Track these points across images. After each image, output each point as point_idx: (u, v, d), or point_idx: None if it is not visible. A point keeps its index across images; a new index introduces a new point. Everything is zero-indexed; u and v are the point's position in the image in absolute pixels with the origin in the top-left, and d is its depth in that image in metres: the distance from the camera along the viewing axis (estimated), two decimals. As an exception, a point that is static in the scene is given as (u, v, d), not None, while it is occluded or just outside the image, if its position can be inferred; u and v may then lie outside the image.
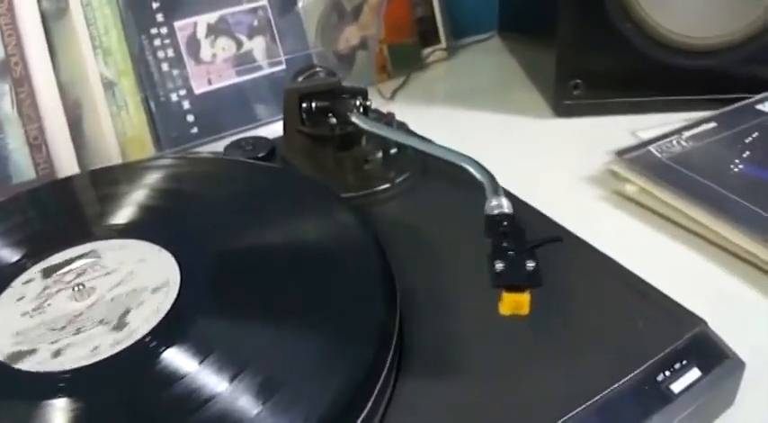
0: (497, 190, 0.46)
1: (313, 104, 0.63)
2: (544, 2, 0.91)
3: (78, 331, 0.43)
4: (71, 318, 0.44)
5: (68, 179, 0.69)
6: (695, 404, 0.40)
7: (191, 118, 0.89)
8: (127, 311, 0.44)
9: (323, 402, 0.36)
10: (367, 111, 0.62)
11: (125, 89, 0.87)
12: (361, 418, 0.37)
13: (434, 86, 1.03)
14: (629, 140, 0.76)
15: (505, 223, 0.42)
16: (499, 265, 0.39)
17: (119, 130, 0.87)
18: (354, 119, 0.59)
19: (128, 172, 0.62)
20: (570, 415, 0.38)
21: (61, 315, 0.44)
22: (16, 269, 0.49)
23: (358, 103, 0.62)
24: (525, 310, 0.38)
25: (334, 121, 0.61)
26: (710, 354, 0.42)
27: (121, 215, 0.54)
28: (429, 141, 0.55)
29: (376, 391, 0.38)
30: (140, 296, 0.45)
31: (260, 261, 0.48)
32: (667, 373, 0.41)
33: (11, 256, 0.51)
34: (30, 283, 0.48)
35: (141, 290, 0.45)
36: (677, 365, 0.41)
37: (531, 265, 0.39)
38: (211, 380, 0.38)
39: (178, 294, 0.45)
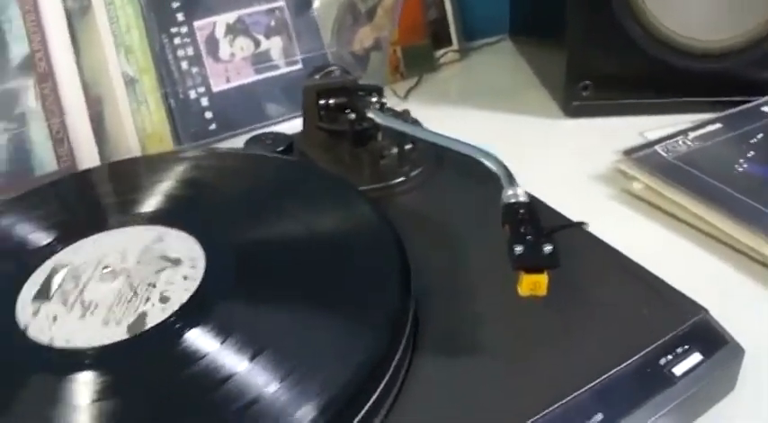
0: (513, 180, 0.48)
1: (330, 101, 0.65)
2: (554, 6, 0.92)
3: (102, 310, 0.45)
4: (97, 298, 0.46)
5: (99, 168, 0.72)
6: (696, 387, 0.42)
7: (209, 115, 0.91)
8: (150, 295, 0.46)
9: (338, 382, 0.38)
10: (383, 108, 0.64)
11: (146, 86, 0.89)
12: (374, 397, 0.38)
13: (447, 87, 1.05)
14: (637, 140, 0.78)
15: (522, 211, 0.44)
16: (518, 249, 0.41)
17: (139, 125, 0.89)
18: (372, 115, 0.62)
19: (156, 163, 0.65)
20: (576, 393, 0.40)
21: (88, 295, 0.46)
22: (48, 251, 0.51)
23: (374, 100, 0.64)
24: (543, 291, 0.40)
25: (352, 116, 0.63)
26: (711, 339, 0.44)
27: (151, 203, 0.56)
28: (445, 136, 0.57)
29: (390, 371, 0.40)
30: (165, 280, 0.47)
31: (281, 248, 0.50)
32: (669, 357, 0.43)
33: (44, 238, 0.53)
34: (63, 265, 0.50)
35: (167, 274, 0.47)
36: (679, 350, 0.43)
37: (548, 248, 0.41)
38: (231, 359, 0.40)
39: (202, 279, 0.47)
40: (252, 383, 0.39)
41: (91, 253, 0.51)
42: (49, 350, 0.43)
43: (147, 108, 0.89)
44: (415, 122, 0.64)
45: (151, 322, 0.43)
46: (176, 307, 0.44)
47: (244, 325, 0.43)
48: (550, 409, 0.39)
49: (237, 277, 0.47)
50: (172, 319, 0.44)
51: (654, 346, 0.43)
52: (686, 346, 0.43)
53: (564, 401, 0.39)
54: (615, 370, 0.41)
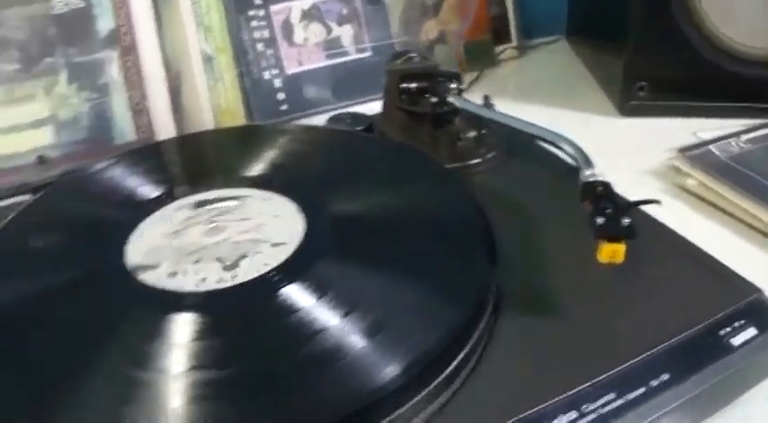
0: (589, 161, 0.52)
1: (412, 85, 0.70)
2: (613, 9, 0.96)
3: (197, 262, 0.50)
4: (197, 249, 0.51)
5: (203, 133, 0.81)
6: (751, 358, 0.46)
7: (281, 96, 0.96)
8: (251, 250, 0.51)
9: (424, 342, 0.42)
10: (460, 93, 0.69)
11: (222, 64, 0.94)
12: (460, 357, 0.43)
13: (505, 82, 1.09)
14: (690, 140, 0.82)
15: (600, 188, 0.49)
16: (600, 220, 0.45)
17: (214, 102, 0.94)
18: (453, 99, 0.66)
19: (256, 133, 0.71)
20: (646, 354, 0.44)
21: (190, 244, 0.52)
22: (158, 203, 0.58)
23: (453, 85, 0.68)
24: (621, 259, 0.45)
25: (434, 100, 0.67)
26: (765, 316, 0.48)
27: (253, 169, 0.62)
28: (524, 120, 0.61)
29: (476, 334, 0.44)
30: (267, 237, 0.52)
31: (375, 217, 0.55)
32: (728, 329, 0.47)
33: (154, 191, 0.59)
34: (180, 210, 0.56)
35: (269, 231, 0.53)
36: (736, 324, 0.47)
37: (626, 220, 0.45)
38: (325, 314, 0.44)
39: (302, 239, 0.51)
40: (342, 338, 0.43)
41: (197, 207, 0.57)
42: (153, 291, 0.48)
43: (223, 85, 0.94)
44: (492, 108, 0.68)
45: (251, 275, 0.48)
46: (277, 263, 0.49)
47: (339, 284, 0.47)
48: (623, 366, 0.43)
49: (334, 240, 0.52)
50: (272, 273, 0.48)
51: (714, 318, 0.47)
52: (743, 321, 0.47)
53: (634, 361, 0.44)
54: (680, 336, 0.45)
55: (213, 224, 0.54)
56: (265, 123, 0.94)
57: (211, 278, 0.49)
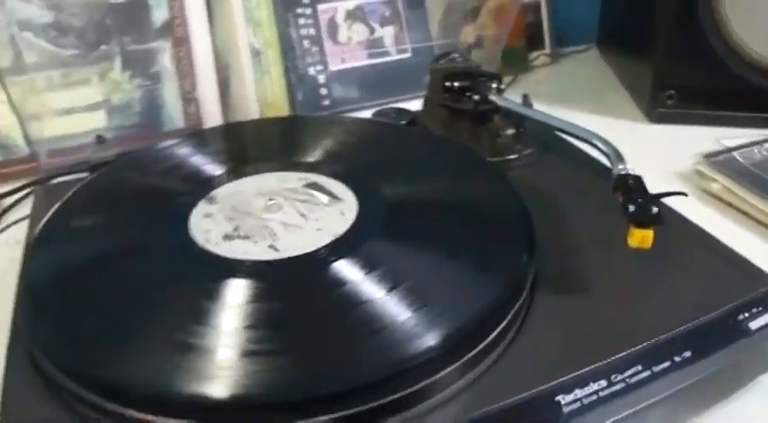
0: (621, 157, 0.56)
1: (455, 83, 0.74)
2: (643, 20, 1.01)
3: (255, 234, 0.55)
4: (256, 223, 0.56)
5: (260, 120, 0.88)
6: (766, 341, 0.50)
7: (324, 91, 1.01)
8: (307, 226, 0.56)
9: (464, 315, 0.46)
10: (500, 92, 0.73)
11: (269, 59, 0.99)
12: (499, 328, 0.47)
13: (538, 88, 1.12)
14: (714, 147, 0.86)
15: (631, 181, 0.53)
16: (631, 207, 0.49)
17: (260, 94, 0.98)
18: (494, 98, 0.71)
19: (310, 122, 0.77)
20: (670, 333, 0.48)
21: (250, 218, 0.57)
22: (220, 180, 0.63)
23: (494, 85, 0.73)
24: (649, 244, 0.48)
25: (476, 98, 0.72)
26: (781, 304, 0.53)
27: (310, 155, 0.67)
28: (561, 119, 0.65)
29: (514, 309, 0.48)
30: (323, 216, 0.57)
31: (423, 202, 0.60)
32: (746, 314, 0.50)
33: (217, 170, 0.65)
34: (241, 188, 0.62)
35: (325, 211, 0.58)
36: (754, 310, 0.51)
37: (655, 209, 0.49)
38: (372, 288, 0.48)
39: (354, 220, 0.56)
40: (386, 309, 0.47)
41: (257, 186, 0.61)
42: (214, 258, 0.52)
43: (270, 79, 0.98)
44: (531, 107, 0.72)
45: (305, 249, 0.53)
46: (330, 239, 0.53)
47: (387, 262, 0.51)
48: (649, 342, 0.47)
49: (384, 222, 0.56)
50: (324, 249, 0.53)
51: (734, 304, 0.51)
52: (760, 308, 0.51)
53: (660, 338, 0.48)
54: (702, 318, 0.49)
55: (272, 202, 0.58)
56: (320, 114, 0.99)
57: (268, 250, 0.53)
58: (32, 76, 0.86)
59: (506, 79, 1.11)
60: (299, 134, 0.74)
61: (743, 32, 0.90)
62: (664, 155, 0.88)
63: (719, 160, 0.80)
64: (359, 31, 1.03)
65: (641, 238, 0.48)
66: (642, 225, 0.48)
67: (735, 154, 0.81)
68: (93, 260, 0.53)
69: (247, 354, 0.43)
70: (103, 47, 0.91)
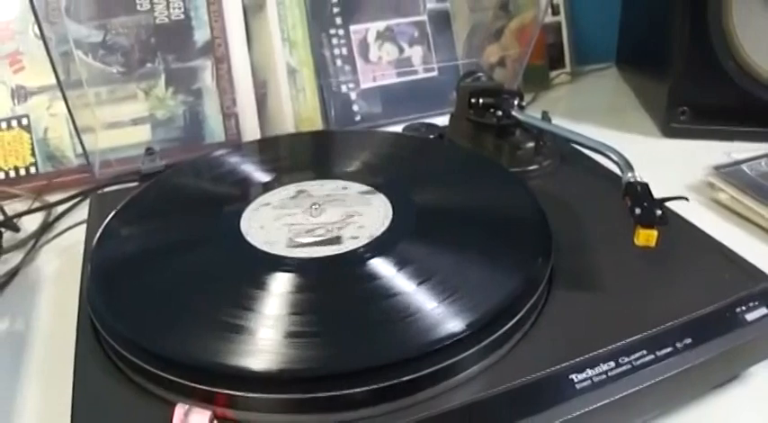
0: (631, 166, 0.62)
1: (480, 100, 0.80)
2: (659, 40, 1.06)
3: (299, 234, 0.61)
4: (300, 224, 0.62)
5: (307, 133, 0.95)
6: (761, 332, 0.55)
7: (356, 107, 1.07)
8: (346, 229, 0.61)
9: (485, 307, 0.52)
10: (522, 109, 0.79)
11: (305, 77, 1.05)
12: (518, 316, 0.52)
13: (558, 104, 1.18)
14: (723, 159, 0.91)
15: (639, 188, 0.58)
16: (637, 210, 0.55)
17: (295, 110, 1.04)
18: (516, 114, 0.77)
19: (352, 136, 0.85)
20: (673, 321, 0.53)
21: (294, 220, 0.63)
22: (268, 187, 0.69)
23: (516, 102, 0.79)
24: (653, 244, 0.54)
25: (499, 113, 0.78)
26: (775, 300, 0.58)
27: (352, 165, 0.73)
28: (577, 133, 0.71)
29: (533, 300, 0.54)
30: (359, 221, 0.63)
31: (451, 208, 0.65)
32: (744, 307, 0.55)
33: (266, 177, 0.71)
34: (286, 194, 0.68)
35: (362, 217, 0.63)
36: (751, 304, 0.56)
37: (659, 212, 0.55)
38: (403, 282, 0.54)
39: (389, 224, 0.62)
40: (416, 301, 0.52)
41: (301, 193, 0.68)
42: (263, 254, 0.59)
43: (305, 96, 1.04)
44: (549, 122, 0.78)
45: (344, 249, 0.59)
46: (366, 241, 0.59)
47: (419, 259, 0.57)
48: (653, 330, 0.53)
49: (416, 226, 0.62)
50: (362, 248, 0.59)
51: (732, 298, 0.56)
52: (756, 302, 0.56)
53: (663, 326, 0.53)
54: (703, 310, 0.54)
55: (315, 206, 0.64)
56: (353, 128, 1.05)
57: (309, 248, 0.59)
58: (84, 91, 0.92)
59: (528, 96, 1.17)
60: (338, 147, 0.81)
61: (752, 51, 0.95)
62: (677, 167, 0.94)
63: (728, 171, 0.85)
64: (389, 51, 1.09)
65: (646, 237, 0.54)
66: (647, 226, 0.54)
67: (743, 166, 0.86)
68: (156, 253, 0.61)
69: (290, 335, 0.49)
70: (148, 65, 0.97)
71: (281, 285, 0.54)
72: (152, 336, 0.50)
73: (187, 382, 0.47)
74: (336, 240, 0.59)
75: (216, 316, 0.51)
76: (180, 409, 0.45)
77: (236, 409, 0.47)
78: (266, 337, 0.49)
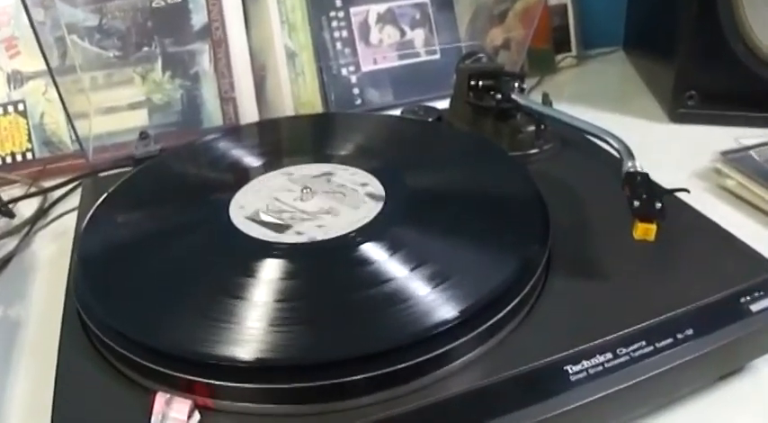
0: (632, 155, 0.60)
1: (480, 82, 0.78)
2: (668, 23, 1.03)
3: (289, 219, 0.59)
4: (290, 209, 0.61)
5: (295, 117, 0.93)
6: (766, 323, 0.53)
7: (356, 91, 1.05)
8: (338, 213, 0.60)
9: (480, 291, 0.50)
10: (522, 91, 0.77)
11: (304, 60, 1.03)
12: (514, 303, 0.51)
13: (563, 88, 1.16)
14: (731, 145, 0.89)
15: (639, 178, 0.56)
16: (636, 203, 0.53)
17: (295, 93, 1.03)
18: (516, 97, 0.74)
19: (347, 119, 0.84)
20: (674, 312, 0.51)
21: (284, 205, 0.62)
22: (258, 171, 0.67)
23: (517, 85, 0.77)
24: (652, 238, 0.52)
25: (499, 96, 0.76)
26: (781, 290, 0.56)
27: (345, 148, 0.72)
28: (578, 118, 0.69)
29: (528, 287, 0.52)
30: (350, 204, 0.61)
31: (446, 192, 0.64)
32: (748, 297, 0.53)
33: (255, 162, 0.70)
34: (277, 178, 0.66)
35: (349, 203, 0.62)
36: (756, 294, 0.54)
37: (659, 205, 0.53)
38: (395, 267, 0.53)
39: (381, 209, 0.60)
40: (408, 286, 0.51)
41: (292, 177, 0.66)
42: (252, 240, 0.57)
43: (304, 79, 1.03)
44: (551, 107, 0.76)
45: (335, 234, 0.57)
46: (357, 225, 0.58)
47: (412, 243, 0.55)
48: (653, 320, 0.51)
49: (409, 209, 0.60)
50: (353, 233, 0.57)
51: (737, 288, 0.54)
52: (762, 293, 0.54)
53: (663, 316, 0.51)
54: (705, 300, 0.52)
55: (305, 191, 0.62)
56: (352, 111, 1.04)
57: (300, 233, 0.58)
58: (78, 76, 0.91)
59: (533, 80, 1.15)
60: (332, 129, 0.79)
61: (762, 35, 0.93)
62: (684, 153, 0.92)
63: (736, 158, 0.83)
64: (390, 34, 1.07)
65: (645, 231, 0.52)
66: (646, 219, 0.52)
67: (751, 152, 0.84)
68: (140, 240, 0.60)
69: (276, 321, 0.48)
70: (145, 49, 0.96)
71: (266, 271, 0.53)
72: (134, 323, 0.49)
73: (168, 371, 0.46)
74: (325, 225, 0.59)
75: (199, 303, 0.50)
76: (161, 398, 0.44)
77: (217, 398, 0.45)
78: (250, 325, 0.48)
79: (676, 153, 0.91)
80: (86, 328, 0.52)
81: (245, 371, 0.45)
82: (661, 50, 1.10)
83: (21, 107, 0.96)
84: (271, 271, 0.53)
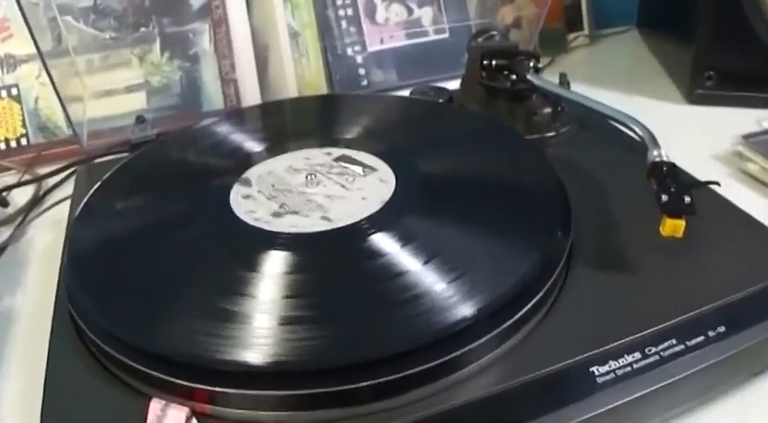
0: (656, 142, 0.56)
1: (493, 62, 0.75)
2: (684, 1, 1.00)
3: (295, 208, 0.56)
4: (296, 196, 0.58)
5: (300, 99, 0.89)
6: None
7: (362, 71, 1.02)
8: (344, 201, 0.57)
9: (499, 287, 0.47)
10: (537, 71, 0.73)
11: (308, 39, 1.00)
12: (535, 300, 0.48)
13: (576, 69, 1.11)
14: (754, 128, 0.85)
15: (665, 168, 0.53)
16: (664, 197, 0.50)
17: (298, 74, 0.99)
18: (531, 77, 0.71)
19: (355, 100, 0.80)
20: (705, 308, 0.48)
21: (290, 192, 0.58)
22: (260, 157, 0.64)
23: (532, 64, 0.73)
24: (681, 234, 0.49)
25: (513, 77, 0.72)
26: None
27: (353, 131, 0.68)
28: (596, 101, 0.65)
29: (549, 283, 0.49)
30: (359, 191, 0.58)
31: (460, 179, 0.60)
32: (782, 292, 0.50)
33: (257, 147, 0.66)
34: (281, 163, 0.63)
35: (358, 189, 0.59)
36: (789, 287, 0.51)
37: (688, 199, 0.50)
38: (408, 260, 0.49)
39: (391, 196, 0.57)
40: (422, 280, 0.48)
41: (296, 162, 0.63)
42: (255, 230, 0.54)
43: (308, 59, 0.99)
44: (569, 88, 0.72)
45: (343, 223, 0.54)
46: (367, 214, 0.54)
47: (425, 234, 0.52)
48: (683, 317, 0.48)
49: (421, 197, 0.57)
50: (362, 222, 0.54)
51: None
52: (797, 286, 0.51)
53: (694, 313, 0.48)
54: (738, 294, 0.49)
55: (312, 176, 0.59)
56: (358, 92, 1.00)
57: (307, 223, 0.54)
58: (73, 59, 0.87)
59: (545, 61, 1.11)
60: (339, 111, 0.76)
61: (785, 13, 0.87)
62: (702, 136, 0.88)
63: (758, 141, 0.80)
64: (397, 12, 1.04)
65: (673, 227, 0.49)
66: (675, 215, 0.48)
67: (774, 134, 0.80)
68: (134, 233, 0.56)
69: (286, 320, 0.45)
70: (142, 29, 0.92)
71: (270, 265, 0.49)
72: (127, 325, 0.46)
73: (163, 376, 0.43)
74: (332, 213, 0.55)
75: (198, 301, 0.47)
76: (156, 405, 0.41)
77: (217, 405, 0.42)
78: (257, 325, 0.45)
79: (694, 136, 0.87)
80: (77, 326, 0.49)
81: (253, 376, 0.42)
82: (677, 29, 1.06)
83: (14, 92, 0.92)
84: (275, 264, 0.49)
